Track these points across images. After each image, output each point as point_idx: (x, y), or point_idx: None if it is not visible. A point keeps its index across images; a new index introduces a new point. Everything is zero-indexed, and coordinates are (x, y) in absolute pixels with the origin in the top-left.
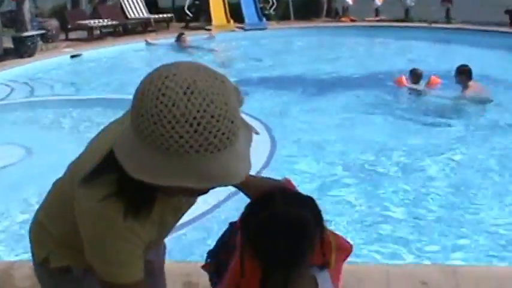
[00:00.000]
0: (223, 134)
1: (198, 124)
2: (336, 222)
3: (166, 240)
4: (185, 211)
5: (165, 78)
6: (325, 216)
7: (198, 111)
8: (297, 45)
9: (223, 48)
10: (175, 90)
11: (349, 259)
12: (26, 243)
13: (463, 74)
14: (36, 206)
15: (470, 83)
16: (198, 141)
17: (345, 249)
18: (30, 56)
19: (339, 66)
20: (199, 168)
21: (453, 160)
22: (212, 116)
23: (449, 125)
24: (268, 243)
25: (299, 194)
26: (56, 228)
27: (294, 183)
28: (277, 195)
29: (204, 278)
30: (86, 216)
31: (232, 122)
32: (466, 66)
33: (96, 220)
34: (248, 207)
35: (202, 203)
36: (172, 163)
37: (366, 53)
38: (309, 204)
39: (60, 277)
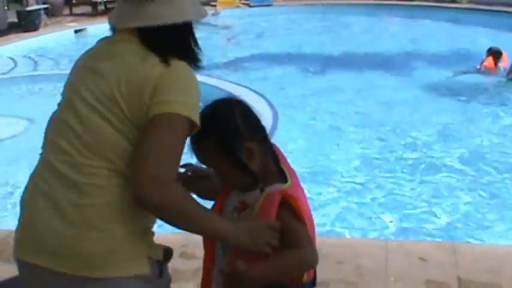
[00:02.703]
0: None
1: None
2: (333, 197)
3: None
4: None
5: None
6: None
7: None
8: (303, 22)
9: (228, 24)
10: None
11: (347, 234)
12: None
13: None
14: None
15: None
16: None
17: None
18: (34, 30)
19: (345, 43)
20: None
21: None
22: None
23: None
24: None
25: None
26: (122, 220)
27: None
28: None
29: (200, 249)
30: (177, 72)
31: None
32: None
33: (186, 71)
34: None
35: None
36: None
37: (370, 31)
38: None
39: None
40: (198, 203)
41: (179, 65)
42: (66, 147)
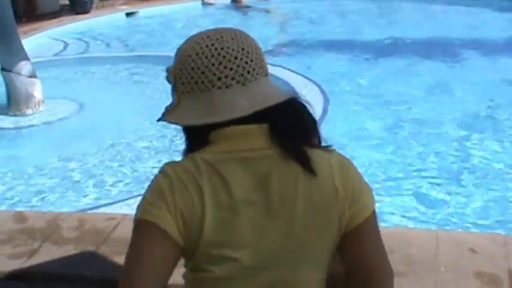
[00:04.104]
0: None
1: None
2: (387, 186)
3: None
4: None
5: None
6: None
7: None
8: (356, 7)
9: (279, 9)
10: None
11: (398, 223)
12: (74, 194)
13: None
14: (88, 157)
15: None
16: None
17: None
18: (85, 12)
19: (399, 30)
20: None
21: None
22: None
23: None
24: None
25: None
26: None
27: None
28: None
29: None
30: (346, 159)
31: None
32: None
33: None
34: None
35: None
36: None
37: (422, 19)
38: None
39: None
40: None
41: (332, 153)
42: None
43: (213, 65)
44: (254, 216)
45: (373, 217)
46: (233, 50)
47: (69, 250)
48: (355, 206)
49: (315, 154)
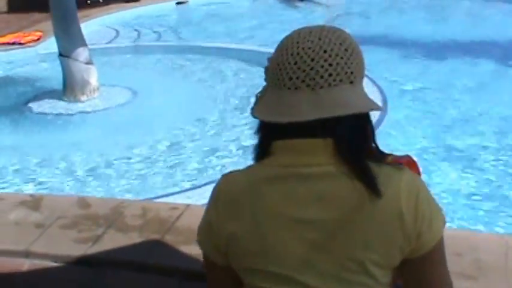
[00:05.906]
0: None
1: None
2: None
3: None
4: None
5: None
6: None
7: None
8: (413, 3)
9: (333, 3)
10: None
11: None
12: (134, 181)
13: None
14: (144, 145)
15: None
16: None
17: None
18: (135, 1)
19: (451, 28)
20: None
21: None
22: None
23: None
24: None
25: None
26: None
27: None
28: None
29: None
30: (417, 181)
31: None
32: None
33: (410, 172)
34: None
35: None
36: None
37: (477, 17)
38: None
39: None
40: None
41: (402, 173)
42: None
43: (289, 63)
44: (311, 236)
45: (440, 243)
46: (313, 51)
47: (134, 238)
48: (424, 237)
49: (383, 173)
